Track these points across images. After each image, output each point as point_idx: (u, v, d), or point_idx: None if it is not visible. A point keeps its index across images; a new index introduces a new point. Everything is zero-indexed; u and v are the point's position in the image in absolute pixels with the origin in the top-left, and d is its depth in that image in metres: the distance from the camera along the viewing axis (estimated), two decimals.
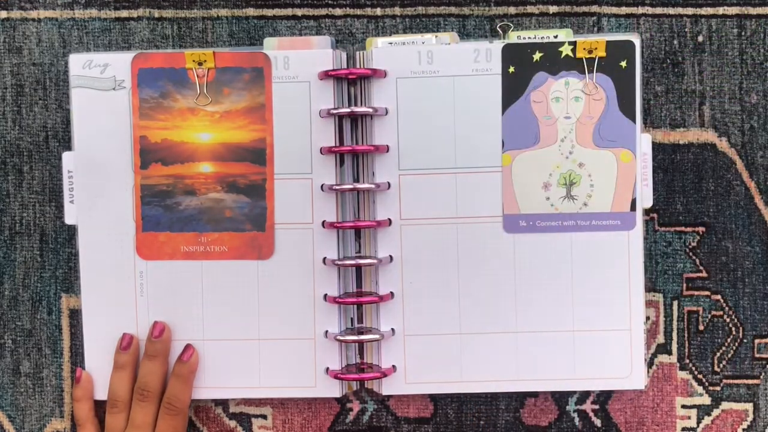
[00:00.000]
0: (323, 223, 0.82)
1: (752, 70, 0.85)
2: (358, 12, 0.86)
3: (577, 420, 0.86)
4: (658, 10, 0.85)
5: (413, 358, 0.83)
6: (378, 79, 0.82)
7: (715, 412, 0.86)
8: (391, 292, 0.83)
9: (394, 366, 0.83)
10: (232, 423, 0.87)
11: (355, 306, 0.84)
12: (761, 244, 0.86)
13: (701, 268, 0.86)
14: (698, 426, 0.86)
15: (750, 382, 0.86)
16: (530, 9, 0.86)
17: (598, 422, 0.86)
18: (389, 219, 0.82)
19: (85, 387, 0.84)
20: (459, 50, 0.82)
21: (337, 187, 0.81)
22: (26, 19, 0.87)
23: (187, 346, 0.83)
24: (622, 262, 0.82)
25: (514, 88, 0.82)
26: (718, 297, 0.86)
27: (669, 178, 0.86)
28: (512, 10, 0.86)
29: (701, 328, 0.86)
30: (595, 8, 0.85)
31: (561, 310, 0.83)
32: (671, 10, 0.85)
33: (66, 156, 0.83)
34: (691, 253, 0.86)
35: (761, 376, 0.86)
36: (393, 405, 0.87)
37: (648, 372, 0.86)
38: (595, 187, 0.82)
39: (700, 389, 0.86)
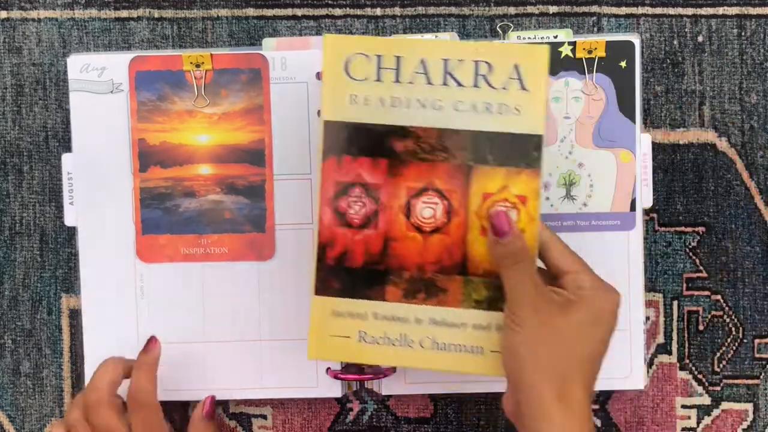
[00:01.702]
0: None
1: (752, 70, 0.85)
2: (358, 12, 0.86)
3: None
4: (658, 10, 0.85)
5: None
6: None
7: (715, 412, 0.86)
8: None
9: (393, 366, 0.83)
10: (232, 423, 0.87)
11: None
12: (761, 244, 0.86)
13: (701, 268, 0.86)
14: (698, 426, 0.86)
15: (750, 382, 0.86)
16: (530, 9, 0.85)
17: (598, 422, 0.86)
18: None
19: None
20: None
21: None
22: (26, 19, 0.87)
23: (151, 338, 0.81)
24: (621, 263, 0.82)
25: None
26: (718, 297, 0.86)
27: (669, 178, 0.85)
28: (512, 10, 0.86)
29: (701, 328, 0.86)
30: (595, 8, 0.85)
31: None
32: (671, 10, 0.85)
33: (65, 158, 0.83)
34: (691, 253, 0.86)
35: (761, 376, 0.86)
36: (393, 405, 0.87)
37: (648, 372, 0.86)
38: (595, 188, 0.82)
39: (700, 389, 0.86)
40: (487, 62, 0.72)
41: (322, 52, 0.73)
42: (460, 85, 0.72)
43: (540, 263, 0.73)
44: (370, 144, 0.73)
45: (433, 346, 0.74)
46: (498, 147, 0.72)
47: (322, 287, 0.74)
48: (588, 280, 0.70)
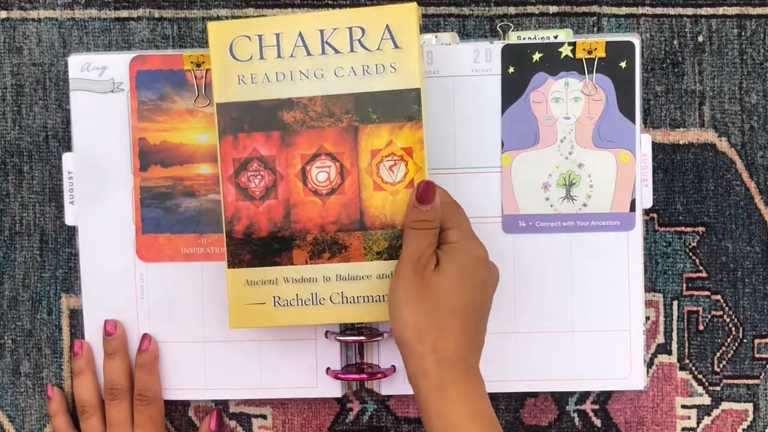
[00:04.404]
0: None
1: (752, 70, 0.85)
2: None
3: (577, 420, 0.86)
4: (658, 10, 0.85)
5: None
6: None
7: (715, 412, 0.86)
8: None
9: (393, 366, 0.83)
10: (232, 423, 0.87)
11: None
12: (761, 244, 0.86)
13: (701, 268, 0.86)
14: (698, 426, 0.86)
15: (750, 382, 0.86)
16: (530, 9, 0.86)
17: (598, 422, 0.86)
18: None
19: (60, 401, 0.86)
20: (459, 50, 0.82)
21: None
22: (26, 19, 0.87)
23: (144, 336, 0.84)
24: (621, 263, 0.82)
25: (513, 89, 0.82)
26: (718, 297, 0.86)
27: (669, 178, 0.85)
28: (512, 10, 0.86)
29: (701, 328, 0.86)
30: (595, 8, 0.85)
31: (560, 311, 0.83)
32: (671, 10, 0.85)
33: (66, 157, 0.83)
34: (691, 253, 0.86)
35: (761, 376, 0.86)
36: (393, 405, 0.87)
37: (648, 372, 0.86)
38: (595, 188, 0.82)
39: (700, 389, 0.86)
40: (360, 27, 0.76)
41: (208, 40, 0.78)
42: (337, 52, 0.77)
43: None
44: (262, 119, 0.78)
45: (342, 301, 0.78)
46: (380, 105, 0.77)
47: (234, 260, 0.78)
48: (456, 234, 0.74)
